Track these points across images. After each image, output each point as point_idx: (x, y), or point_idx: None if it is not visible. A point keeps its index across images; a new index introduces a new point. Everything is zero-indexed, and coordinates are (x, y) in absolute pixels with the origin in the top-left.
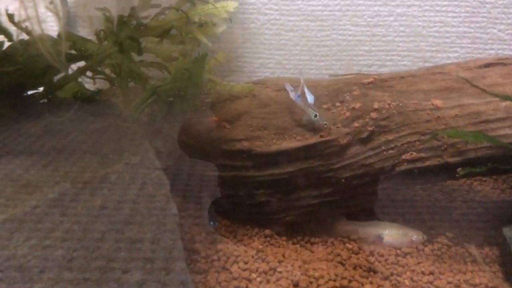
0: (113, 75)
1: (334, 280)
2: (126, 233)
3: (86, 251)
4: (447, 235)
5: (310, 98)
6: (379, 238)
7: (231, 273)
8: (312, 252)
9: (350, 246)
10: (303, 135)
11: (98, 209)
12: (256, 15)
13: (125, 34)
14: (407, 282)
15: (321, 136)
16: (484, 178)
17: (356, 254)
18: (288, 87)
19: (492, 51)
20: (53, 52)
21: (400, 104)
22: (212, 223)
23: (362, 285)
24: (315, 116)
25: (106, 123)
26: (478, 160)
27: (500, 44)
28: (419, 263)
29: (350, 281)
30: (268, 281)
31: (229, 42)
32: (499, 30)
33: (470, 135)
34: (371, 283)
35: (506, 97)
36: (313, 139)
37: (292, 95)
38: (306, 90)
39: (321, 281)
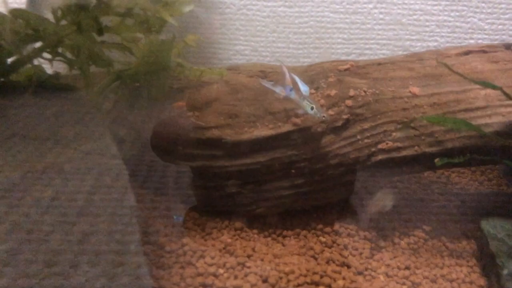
0: (72, 57)
1: (305, 276)
2: (78, 226)
3: (33, 244)
4: (424, 228)
5: (304, 88)
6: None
7: (196, 268)
8: (284, 246)
9: (323, 240)
10: (275, 123)
11: (49, 200)
12: None
13: (84, 12)
14: (381, 277)
15: (294, 124)
16: (462, 170)
17: (330, 247)
18: (266, 83)
19: (472, 41)
20: (2, 31)
21: (377, 92)
22: (175, 217)
23: (335, 280)
24: (312, 108)
25: (62, 109)
26: (456, 150)
27: (480, 34)
28: (395, 257)
29: (322, 276)
30: (236, 277)
31: (204, 27)
32: (479, 19)
33: (449, 121)
34: (344, 278)
35: (486, 84)
36: (286, 127)
37: (279, 90)
38: (298, 80)
39: (291, 276)
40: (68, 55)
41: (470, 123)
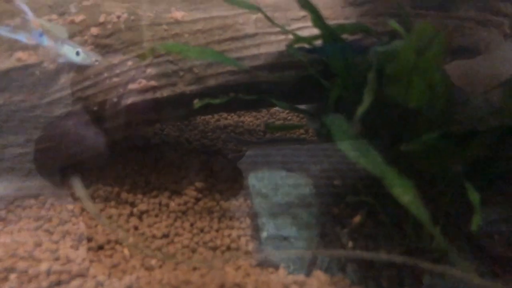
0: None
1: None
2: None
3: None
4: (196, 185)
5: (60, 31)
6: None
7: None
8: None
9: None
10: None
11: None
12: None
13: None
14: (125, 251)
15: (19, 60)
16: (254, 113)
17: None
18: (2, 30)
19: None
20: None
21: (132, 18)
22: None
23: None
24: (78, 54)
25: None
26: (219, 88)
27: None
28: (155, 223)
29: None
30: None
31: None
32: None
33: (194, 51)
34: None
35: (251, 7)
36: (6, 64)
37: (24, 37)
38: (46, 23)
39: None
40: None
41: (220, 54)
